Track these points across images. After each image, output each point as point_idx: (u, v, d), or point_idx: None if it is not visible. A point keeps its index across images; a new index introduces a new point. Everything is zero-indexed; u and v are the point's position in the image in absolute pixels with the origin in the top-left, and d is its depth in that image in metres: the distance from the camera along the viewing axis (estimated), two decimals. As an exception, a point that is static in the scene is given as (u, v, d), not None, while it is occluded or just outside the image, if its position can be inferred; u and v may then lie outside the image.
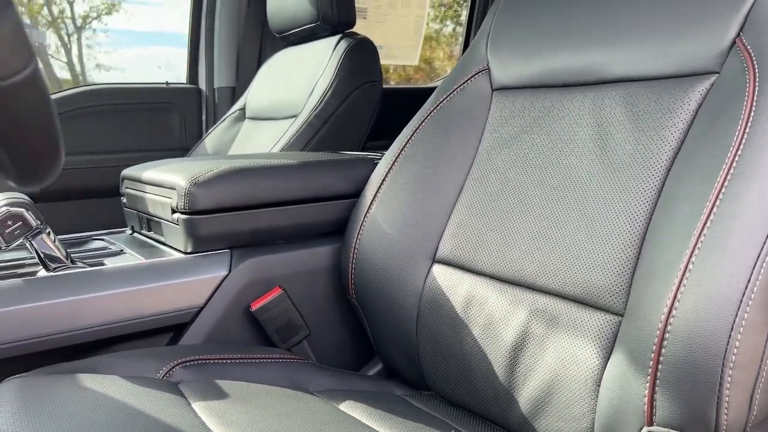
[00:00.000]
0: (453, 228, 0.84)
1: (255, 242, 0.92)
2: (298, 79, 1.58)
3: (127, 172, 1.07)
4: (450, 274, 0.82)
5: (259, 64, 1.93)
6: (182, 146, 1.94)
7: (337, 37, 1.55)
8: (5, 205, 0.76)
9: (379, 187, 0.90)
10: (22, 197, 0.78)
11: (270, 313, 0.89)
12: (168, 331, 0.87)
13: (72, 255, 0.93)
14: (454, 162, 0.87)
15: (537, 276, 0.72)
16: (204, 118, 2.02)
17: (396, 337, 0.86)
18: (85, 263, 0.89)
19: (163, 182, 0.91)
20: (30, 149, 0.51)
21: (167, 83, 1.99)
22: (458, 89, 0.90)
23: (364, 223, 0.90)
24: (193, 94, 2.01)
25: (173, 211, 0.88)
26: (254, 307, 0.88)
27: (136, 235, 1.08)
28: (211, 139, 1.78)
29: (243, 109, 1.78)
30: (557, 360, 0.68)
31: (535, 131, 0.80)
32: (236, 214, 0.88)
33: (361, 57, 1.51)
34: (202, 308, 0.86)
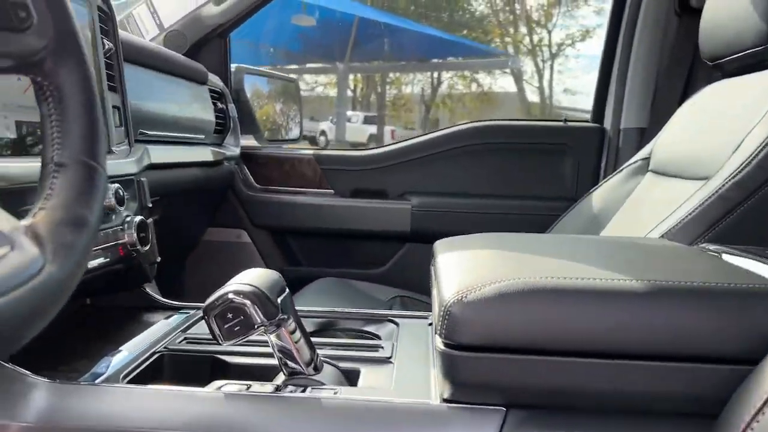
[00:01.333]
0: None
1: (547, 405, 0.57)
2: (724, 124, 1.10)
3: (437, 244, 0.84)
4: None
5: (682, 101, 1.48)
6: (571, 196, 1.64)
7: (797, 63, 1.02)
8: (231, 291, 0.61)
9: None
10: (256, 285, 0.61)
11: None
12: None
13: (336, 352, 0.75)
14: None
15: None
16: (603, 164, 1.67)
17: None
18: (339, 368, 0.70)
19: (441, 284, 0.64)
20: None
21: (565, 121, 1.71)
22: None
23: (759, 417, 0.47)
24: (594, 134, 1.68)
25: (436, 331, 0.61)
26: None
27: (430, 328, 0.84)
28: (600, 193, 1.42)
29: (648, 159, 1.37)
30: None
31: None
32: (524, 359, 0.55)
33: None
34: None
